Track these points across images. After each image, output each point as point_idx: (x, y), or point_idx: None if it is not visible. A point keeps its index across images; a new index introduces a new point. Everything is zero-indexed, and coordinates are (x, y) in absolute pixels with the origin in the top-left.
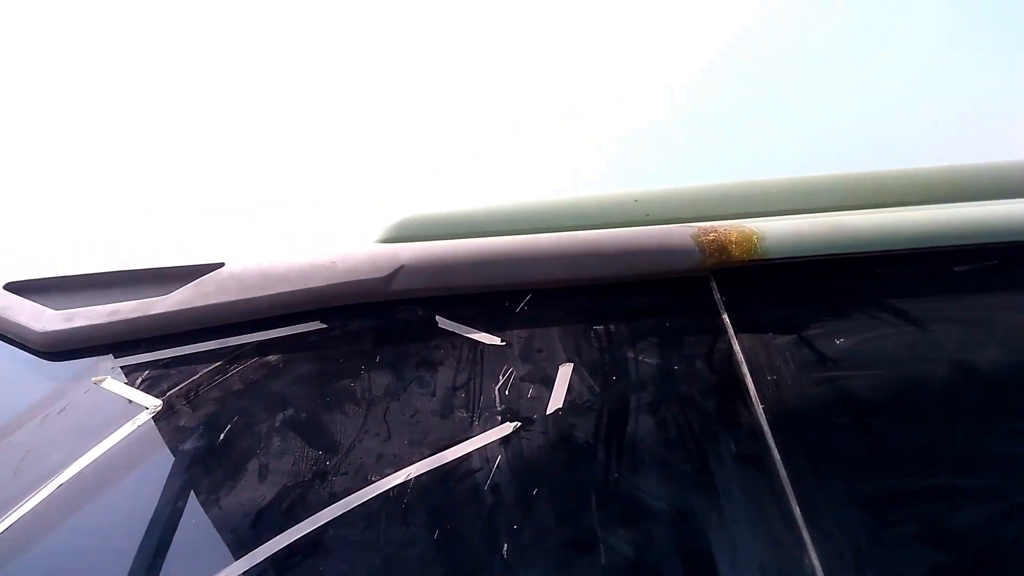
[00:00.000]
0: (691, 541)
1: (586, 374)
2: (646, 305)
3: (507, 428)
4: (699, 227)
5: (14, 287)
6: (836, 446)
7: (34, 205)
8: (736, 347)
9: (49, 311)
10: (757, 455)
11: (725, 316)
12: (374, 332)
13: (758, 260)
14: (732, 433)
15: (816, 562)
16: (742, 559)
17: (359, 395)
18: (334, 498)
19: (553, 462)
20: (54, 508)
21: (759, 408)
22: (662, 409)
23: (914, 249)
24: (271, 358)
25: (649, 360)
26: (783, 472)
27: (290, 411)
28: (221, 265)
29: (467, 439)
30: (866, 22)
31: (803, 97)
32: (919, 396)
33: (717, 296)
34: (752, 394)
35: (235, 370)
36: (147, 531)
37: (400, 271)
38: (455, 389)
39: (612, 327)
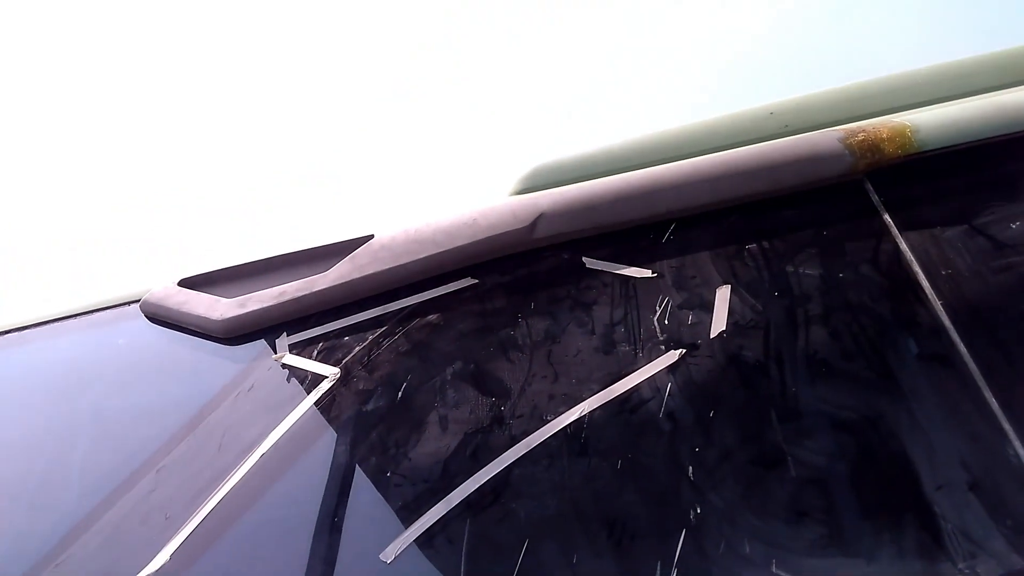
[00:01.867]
0: (884, 446)
1: (746, 294)
2: (800, 217)
3: (673, 356)
4: (846, 129)
5: (188, 283)
6: None
7: (195, 205)
8: (903, 246)
9: (223, 300)
10: (942, 353)
11: (886, 216)
12: (525, 281)
13: (914, 154)
14: (912, 334)
15: (1021, 451)
16: (941, 458)
17: (520, 342)
18: (514, 440)
19: (726, 383)
20: (257, 478)
21: (937, 305)
22: (833, 319)
23: None
24: (432, 317)
25: (811, 272)
26: (973, 366)
27: (458, 364)
28: (371, 237)
29: (634, 371)
30: None
31: None
32: None
33: (875, 198)
34: (928, 292)
35: (401, 332)
36: (342, 490)
37: (541, 218)
38: (613, 325)
39: (767, 244)
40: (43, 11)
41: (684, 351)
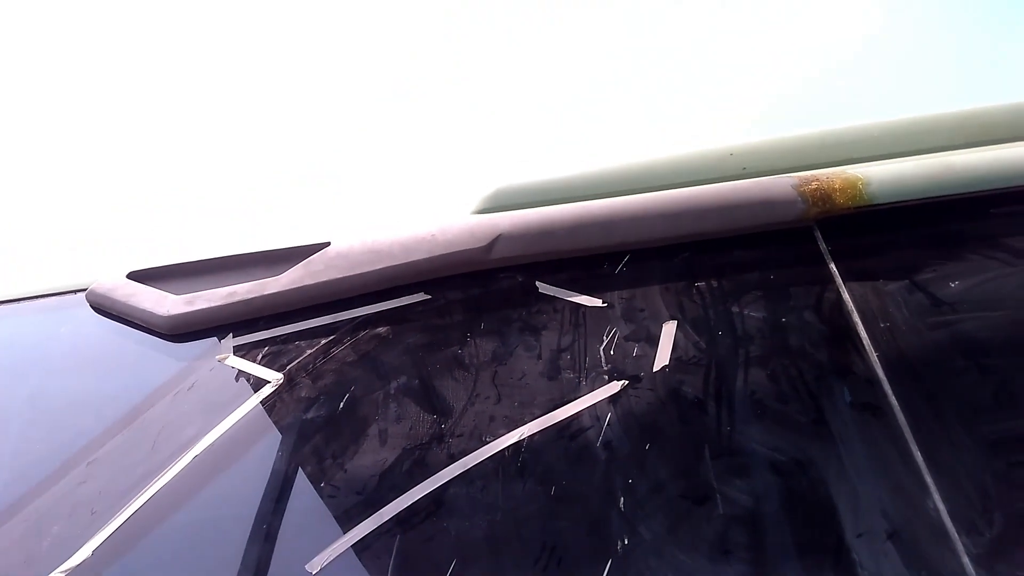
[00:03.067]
0: (810, 490)
1: (691, 331)
2: (749, 259)
3: (615, 387)
4: (800, 176)
5: (137, 276)
6: (956, 390)
7: (147, 198)
8: (846, 296)
9: (171, 296)
10: (874, 403)
11: (832, 265)
12: (477, 300)
13: (864, 206)
14: (847, 382)
15: (941, 505)
16: (864, 506)
17: (467, 361)
18: (452, 459)
19: (663, 418)
20: (190, 479)
21: (873, 356)
22: (772, 362)
23: None
24: (381, 330)
25: (756, 314)
26: (902, 418)
27: (403, 379)
28: (327, 244)
29: (576, 399)
30: None
31: (896, 35)
32: None
33: (823, 246)
34: (865, 342)
35: (348, 343)
36: (277, 496)
37: (499, 239)
38: (560, 351)
39: (715, 283)
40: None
41: (626, 382)
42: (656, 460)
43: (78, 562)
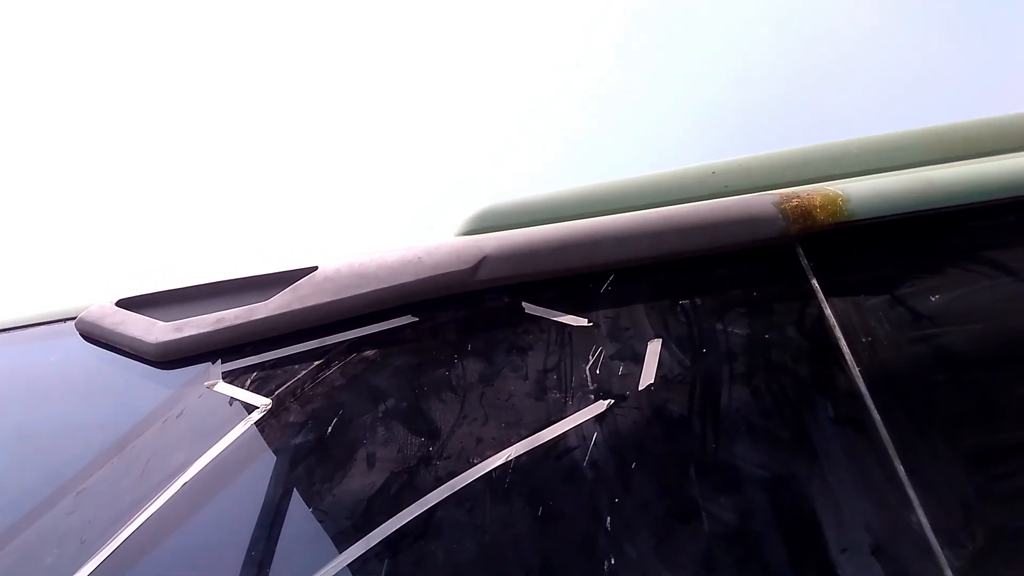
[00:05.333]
0: (795, 506)
1: (676, 349)
2: (732, 276)
3: (601, 406)
4: (781, 194)
5: (125, 303)
6: (938, 403)
7: (135, 226)
8: (827, 311)
9: (160, 323)
10: (856, 417)
11: (814, 281)
12: (463, 322)
13: (844, 222)
14: (829, 397)
15: (924, 519)
16: (847, 521)
17: (454, 383)
18: (440, 481)
19: (649, 436)
20: (179, 506)
21: (855, 370)
22: (756, 378)
23: (1007, 199)
24: (368, 353)
25: (739, 331)
26: (884, 433)
27: (391, 402)
28: (315, 269)
29: (562, 419)
30: None
31: (874, 52)
32: (1021, 348)
33: (804, 262)
34: (847, 357)
35: (336, 366)
36: (266, 522)
37: (484, 261)
38: (546, 371)
39: (699, 300)
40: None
41: (612, 401)
42: (642, 478)
43: None
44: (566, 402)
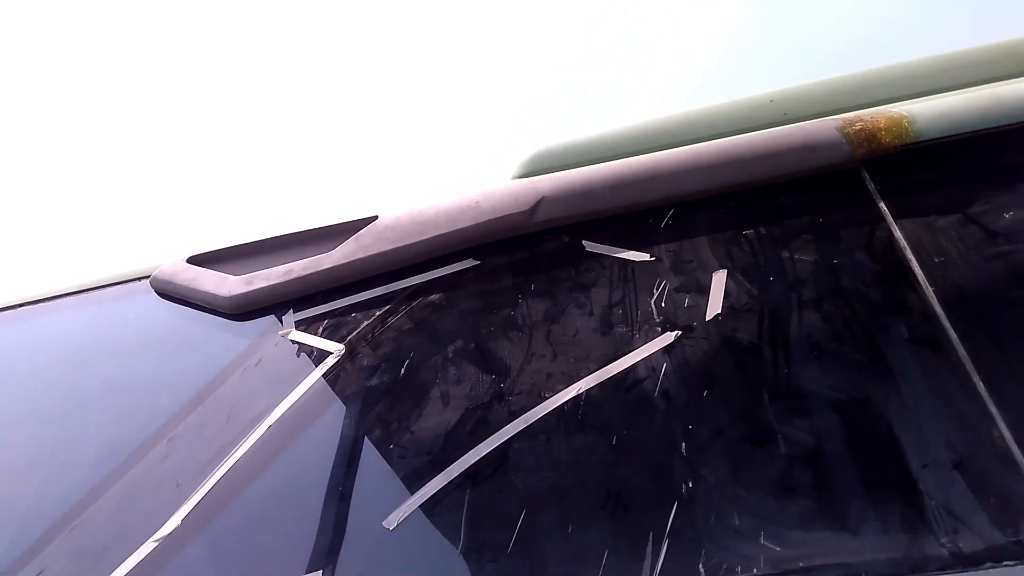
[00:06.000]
0: (872, 426)
1: (741, 279)
2: (796, 204)
3: (668, 338)
4: (843, 118)
5: (197, 259)
6: (1015, 319)
7: (205, 184)
8: (897, 234)
9: (231, 277)
10: (932, 337)
11: (882, 204)
12: (525, 263)
13: (911, 144)
14: (903, 319)
15: (1007, 433)
16: (927, 438)
17: (520, 322)
18: (513, 416)
19: (720, 364)
20: (265, 448)
21: (929, 291)
22: (826, 304)
23: None
24: (434, 297)
25: (807, 258)
26: (962, 350)
27: (459, 343)
28: (375, 218)
29: (631, 351)
30: None
31: None
32: None
33: (871, 186)
34: (920, 278)
35: (404, 311)
36: (348, 461)
37: (541, 203)
38: (611, 307)
39: (763, 230)
40: None
41: (680, 333)
42: (715, 406)
43: (169, 531)
44: (633, 335)
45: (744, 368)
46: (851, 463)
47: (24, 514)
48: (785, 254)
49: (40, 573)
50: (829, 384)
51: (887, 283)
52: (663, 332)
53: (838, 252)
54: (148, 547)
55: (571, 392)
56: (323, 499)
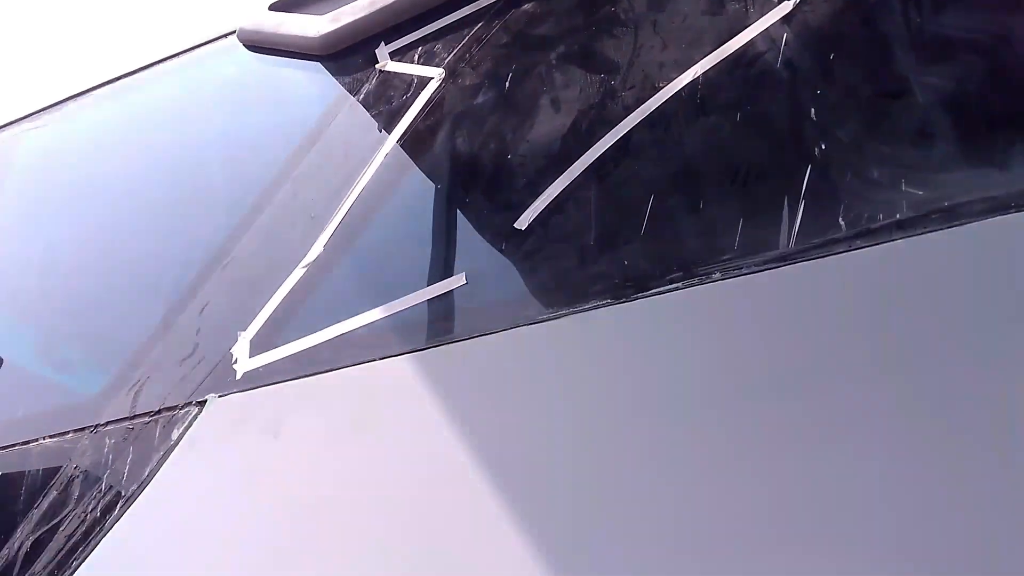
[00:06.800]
0: (1013, 63)
1: None
2: None
3: (786, 6)
4: None
5: (278, 6)
6: None
7: None
8: None
9: (316, 17)
10: None
11: None
12: None
13: None
14: None
15: None
16: None
17: (623, 16)
18: (628, 109)
19: (844, 24)
20: (388, 174)
21: None
22: None
23: None
24: (527, 6)
25: None
26: None
27: (561, 48)
28: None
29: (746, 27)
30: None
31: None
32: None
33: None
34: None
35: (498, 26)
36: (468, 176)
37: None
38: None
39: None
40: None
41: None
42: (843, 67)
43: (314, 257)
44: (747, 10)
45: (871, 25)
46: (993, 102)
47: (175, 259)
48: None
49: (205, 306)
50: (966, 26)
51: None
52: (780, 2)
53: None
54: (298, 273)
55: (687, 78)
56: (453, 211)
